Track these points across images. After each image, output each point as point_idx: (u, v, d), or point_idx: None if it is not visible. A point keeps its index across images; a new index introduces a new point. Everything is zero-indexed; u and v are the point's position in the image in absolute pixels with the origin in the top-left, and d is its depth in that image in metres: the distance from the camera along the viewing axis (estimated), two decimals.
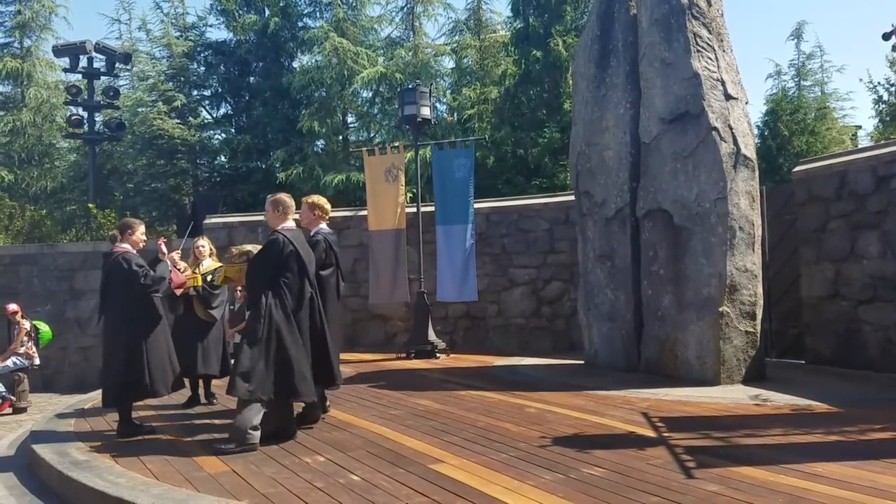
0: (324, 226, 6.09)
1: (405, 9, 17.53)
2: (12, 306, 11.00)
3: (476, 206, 10.33)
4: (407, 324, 11.03)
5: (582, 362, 8.78)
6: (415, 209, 10.46)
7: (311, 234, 5.93)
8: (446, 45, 17.78)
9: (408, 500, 3.84)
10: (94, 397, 7.58)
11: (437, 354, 9.87)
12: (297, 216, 5.84)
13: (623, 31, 8.20)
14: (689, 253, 7.33)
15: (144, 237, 6.08)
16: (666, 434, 5.13)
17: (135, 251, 5.86)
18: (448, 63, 17.95)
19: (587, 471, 4.25)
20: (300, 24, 17.88)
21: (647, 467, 4.29)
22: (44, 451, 5.17)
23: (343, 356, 10.20)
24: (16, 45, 20.01)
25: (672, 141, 7.53)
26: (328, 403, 6.23)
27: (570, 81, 11.81)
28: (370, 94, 17.26)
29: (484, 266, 10.79)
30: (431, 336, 10.06)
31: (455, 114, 16.70)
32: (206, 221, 12.44)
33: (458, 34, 17.80)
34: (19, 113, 19.15)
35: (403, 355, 9.99)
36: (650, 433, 5.20)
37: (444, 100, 17.08)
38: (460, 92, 16.58)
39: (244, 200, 16.25)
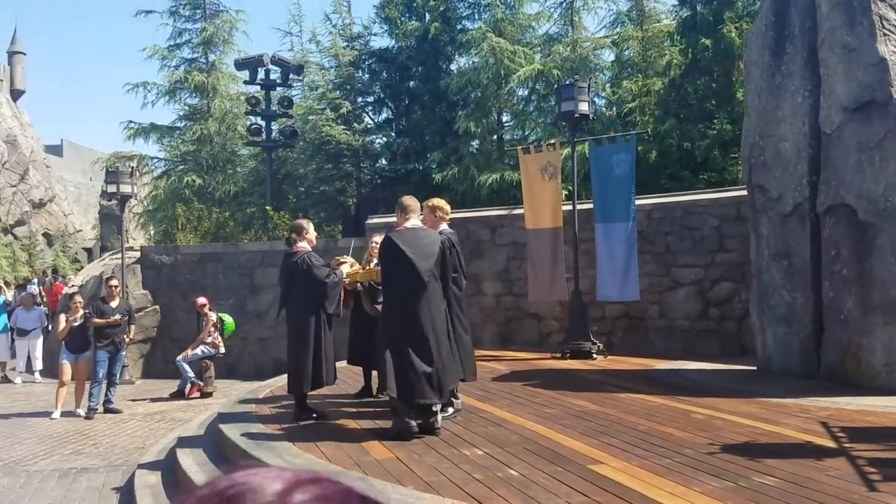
0: (445, 226, 6.28)
1: (564, 4, 17.36)
2: (201, 300, 12.05)
3: (637, 202, 10.00)
4: (562, 323, 10.91)
5: (754, 368, 8.27)
6: (571, 207, 10.32)
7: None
8: (606, 37, 17.40)
9: (568, 499, 3.81)
10: (273, 384, 8.16)
11: (594, 355, 9.67)
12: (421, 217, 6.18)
13: (800, 15, 7.64)
14: (876, 252, 6.70)
15: (315, 235, 6.52)
16: (847, 445, 4.73)
17: (311, 249, 6.29)
18: (608, 56, 17.58)
19: (759, 479, 4.01)
20: (459, 26, 18.19)
21: (826, 478, 3.98)
22: (230, 431, 5.64)
23: (496, 354, 10.37)
24: (202, 60, 21.84)
25: (856, 131, 6.91)
26: None
27: (743, 69, 11.17)
28: (526, 92, 17.26)
29: (645, 265, 10.42)
30: (588, 336, 9.88)
31: (614, 107, 16.32)
32: (368, 221, 12.95)
33: (620, 26, 17.37)
34: (206, 123, 20.89)
35: (558, 355, 9.86)
36: (829, 443, 4.81)
37: (604, 94, 16.73)
38: (620, 85, 16.17)
39: None
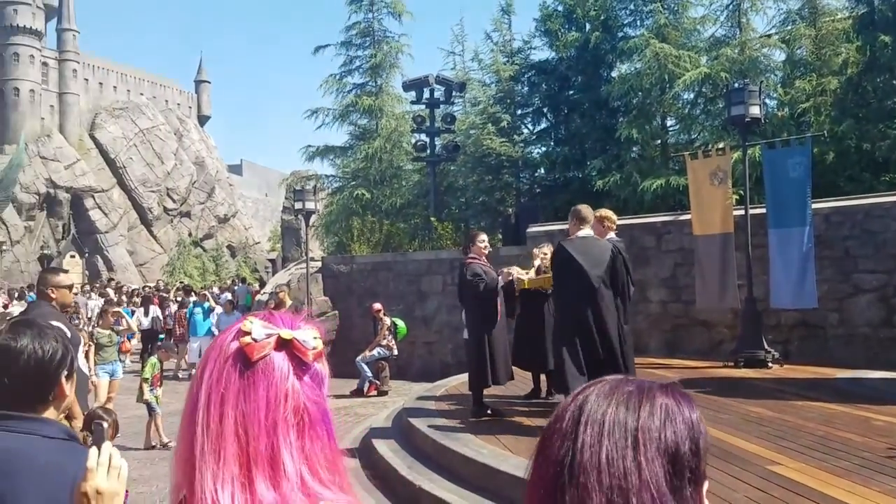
0: (612, 234, 6.51)
1: (731, 6, 16.87)
2: (376, 305, 12.99)
3: (813, 206, 9.62)
4: (733, 331, 10.66)
5: None
6: (742, 212, 10.12)
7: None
8: (776, 34, 16.69)
9: (745, 494, 3.97)
10: (447, 383, 8.75)
11: (769, 364, 9.40)
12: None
13: None
14: None
15: (484, 244, 6.98)
16: None
17: (479, 258, 6.76)
18: (778, 56, 16.85)
19: None
20: (620, 34, 18.18)
21: None
22: (419, 423, 6.22)
23: (663, 362, 10.35)
24: (371, 84, 23.31)
25: None
26: None
27: None
28: (692, 96, 16.93)
29: (823, 271, 9.96)
30: (762, 345, 9.63)
31: (787, 108, 15.64)
32: (529, 230, 13.27)
33: (790, 24, 16.62)
34: (373, 142, 22.26)
35: (731, 364, 9.67)
36: None
37: (775, 94, 16.05)
38: (793, 85, 15.47)
39: (562, 209, 16.98)
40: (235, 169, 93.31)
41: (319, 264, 16.53)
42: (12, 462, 1.63)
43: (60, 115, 70.99)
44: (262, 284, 23.04)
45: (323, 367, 1.05)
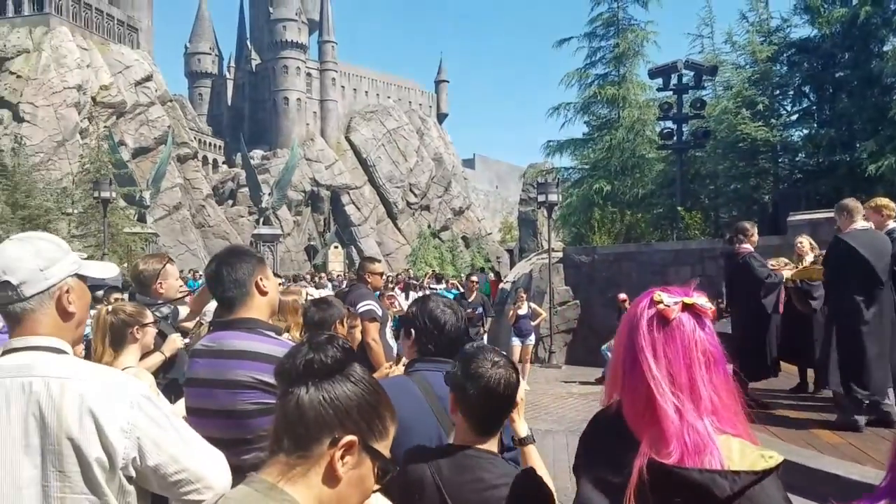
0: (893, 224, 6.07)
1: None
2: (622, 295, 13.14)
3: None
4: None
5: None
6: None
7: (886, 231, 5.99)
8: None
9: None
10: None
11: None
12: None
13: None
14: None
15: (756, 237, 6.94)
16: None
17: (753, 250, 6.75)
18: None
19: None
20: (893, 6, 16.39)
21: None
22: None
23: None
24: (613, 73, 23.20)
25: None
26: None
27: None
28: None
29: None
30: None
31: None
32: (790, 219, 12.58)
33: None
34: (615, 132, 22.18)
35: None
36: None
37: None
38: None
39: (826, 195, 15.74)
40: (468, 163, 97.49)
41: (560, 255, 16.94)
42: (402, 392, 2.21)
43: (321, 121, 79.16)
44: (497, 274, 23.90)
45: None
